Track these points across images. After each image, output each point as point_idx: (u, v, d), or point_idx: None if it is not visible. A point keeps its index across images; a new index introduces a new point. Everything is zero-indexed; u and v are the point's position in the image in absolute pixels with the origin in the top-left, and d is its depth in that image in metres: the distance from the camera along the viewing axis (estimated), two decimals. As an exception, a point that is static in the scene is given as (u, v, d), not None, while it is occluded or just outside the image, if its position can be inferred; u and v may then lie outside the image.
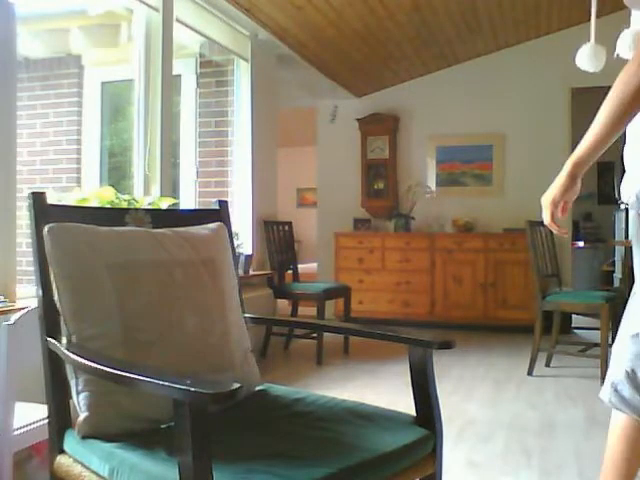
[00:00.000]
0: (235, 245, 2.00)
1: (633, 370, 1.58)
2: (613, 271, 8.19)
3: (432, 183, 6.53)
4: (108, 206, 2.74)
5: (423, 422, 1.52)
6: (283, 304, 5.25)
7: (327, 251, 6.61)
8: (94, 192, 2.83)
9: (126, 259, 1.54)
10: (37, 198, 1.52)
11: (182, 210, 2.94)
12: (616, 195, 8.29)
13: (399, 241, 6.22)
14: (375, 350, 4.79)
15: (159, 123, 3.84)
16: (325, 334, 4.50)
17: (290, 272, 5.21)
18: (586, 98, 6.96)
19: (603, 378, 3.79)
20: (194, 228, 1.75)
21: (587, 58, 2.13)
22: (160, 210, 2.47)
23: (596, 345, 4.22)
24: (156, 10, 3.82)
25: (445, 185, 6.51)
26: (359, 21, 4.87)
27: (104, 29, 4.60)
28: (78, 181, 4.66)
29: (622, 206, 7.74)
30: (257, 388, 1.75)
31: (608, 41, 6.18)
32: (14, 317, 1.78)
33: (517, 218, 5.75)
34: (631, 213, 1.58)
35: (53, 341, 1.45)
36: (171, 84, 4.01)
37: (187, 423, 1.09)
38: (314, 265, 7.24)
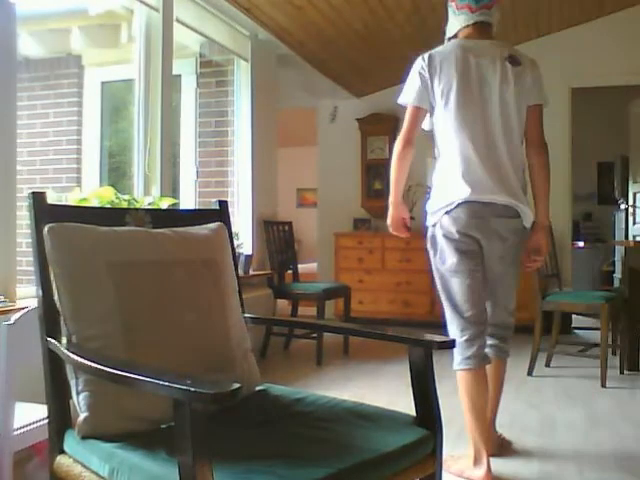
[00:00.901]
0: (235, 245, 2.00)
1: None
2: (613, 271, 8.19)
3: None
4: (108, 206, 2.74)
5: (423, 422, 1.52)
6: (283, 304, 5.25)
7: (327, 251, 6.60)
8: (94, 192, 2.83)
9: (126, 259, 1.54)
10: (37, 198, 1.52)
11: (182, 210, 2.94)
12: (616, 195, 8.29)
13: (399, 241, 6.18)
14: (375, 350, 4.79)
15: (159, 123, 3.84)
16: (325, 334, 4.49)
17: (290, 272, 5.21)
18: (586, 98, 6.98)
19: (603, 378, 3.80)
20: (194, 228, 1.75)
21: None
22: (160, 210, 2.47)
23: (596, 345, 4.22)
24: (156, 10, 3.82)
25: (445, 185, 6.49)
26: (359, 21, 4.87)
27: (104, 29, 4.60)
28: (78, 181, 4.65)
29: (622, 206, 7.74)
30: (257, 388, 1.75)
31: (607, 41, 6.18)
32: (14, 317, 1.78)
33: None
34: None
35: (53, 341, 1.45)
36: (171, 84, 4.01)
37: (187, 423, 1.09)
38: (314, 265, 7.24)
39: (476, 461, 2.38)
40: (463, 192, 2.39)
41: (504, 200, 2.40)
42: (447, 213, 2.43)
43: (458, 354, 2.42)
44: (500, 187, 2.41)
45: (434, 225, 2.49)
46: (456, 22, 2.57)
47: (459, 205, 2.40)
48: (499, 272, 2.48)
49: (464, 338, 2.41)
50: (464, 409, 2.43)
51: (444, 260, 2.47)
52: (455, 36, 2.58)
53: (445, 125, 2.49)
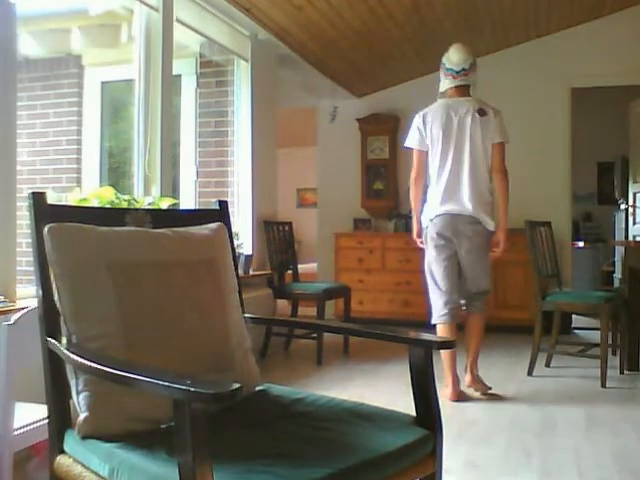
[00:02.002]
0: (235, 245, 2.00)
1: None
2: (613, 271, 8.18)
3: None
4: (108, 206, 2.74)
5: (423, 422, 1.51)
6: (283, 304, 5.25)
7: (327, 251, 6.61)
8: (94, 192, 2.83)
9: (126, 259, 1.54)
10: (37, 198, 1.52)
11: (182, 210, 2.94)
12: (616, 195, 8.29)
13: (399, 241, 6.21)
14: (375, 350, 4.79)
15: (159, 123, 3.84)
16: (325, 334, 4.49)
17: (290, 272, 5.21)
18: (586, 98, 6.98)
19: (603, 378, 3.80)
20: (194, 228, 1.75)
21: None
22: (160, 210, 2.47)
23: (596, 345, 4.22)
24: (156, 10, 3.82)
25: (445, 185, 6.49)
26: (359, 21, 4.87)
27: (104, 29, 4.60)
28: (78, 181, 4.65)
29: (622, 206, 7.74)
30: (257, 388, 1.75)
31: (607, 41, 6.17)
32: (14, 317, 1.77)
33: (517, 218, 5.76)
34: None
35: (53, 341, 1.45)
36: (171, 84, 4.01)
37: (187, 423, 1.09)
38: (314, 265, 7.24)
39: (447, 384, 3.55)
40: (440, 208, 3.59)
41: (468, 212, 3.56)
42: (431, 221, 3.63)
43: (436, 312, 3.62)
44: (466, 204, 3.55)
45: (426, 227, 3.68)
46: (444, 84, 3.75)
47: (437, 216, 3.60)
48: (468, 261, 3.62)
49: (440, 302, 3.60)
50: (442, 352, 3.54)
51: (430, 251, 3.67)
52: (445, 92, 3.75)
53: (433, 162, 3.65)
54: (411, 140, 3.71)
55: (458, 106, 3.65)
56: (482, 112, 3.63)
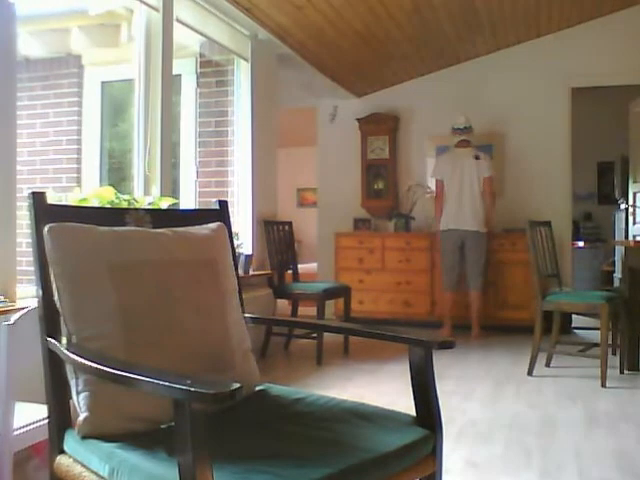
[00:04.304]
0: (235, 245, 2.00)
1: None
2: (613, 271, 8.18)
3: (432, 183, 6.51)
4: (108, 206, 2.74)
5: (423, 422, 1.51)
6: (283, 304, 5.25)
7: (327, 251, 6.61)
8: (94, 192, 2.83)
9: (126, 259, 1.54)
10: (37, 198, 1.52)
11: (182, 210, 2.93)
12: (616, 195, 8.28)
13: (399, 241, 6.22)
14: (375, 350, 4.79)
15: (159, 123, 3.84)
16: (325, 334, 4.49)
17: (290, 272, 5.21)
18: (586, 98, 6.98)
19: (603, 378, 3.80)
20: (194, 228, 1.75)
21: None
22: (160, 210, 2.47)
23: (596, 345, 4.22)
24: (156, 10, 3.82)
25: (445, 185, 6.50)
26: (359, 21, 4.87)
27: (104, 29, 4.60)
28: (78, 181, 4.65)
29: (622, 206, 7.74)
30: (257, 388, 1.75)
31: (607, 41, 6.17)
32: (14, 317, 1.77)
33: (517, 218, 5.77)
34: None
35: (53, 341, 1.45)
36: (171, 84, 4.01)
37: (187, 423, 1.09)
38: (314, 265, 7.24)
39: (444, 325, 5.60)
40: (450, 223, 5.56)
41: (470, 227, 5.49)
42: (445, 231, 5.57)
43: (445, 284, 5.61)
44: (469, 221, 5.49)
45: (440, 232, 5.63)
46: (454, 138, 5.71)
47: (450, 229, 5.55)
48: (470, 256, 5.53)
49: (448, 278, 5.59)
50: (443, 306, 5.65)
51: (443, 248, 5.62)
52: (456, 144, 5.68)
53: (447, 190, 5.62)
54: (435, 173, 5.76)
55: (462, 154, 5.61)
56: (477, 157, 5.57)
